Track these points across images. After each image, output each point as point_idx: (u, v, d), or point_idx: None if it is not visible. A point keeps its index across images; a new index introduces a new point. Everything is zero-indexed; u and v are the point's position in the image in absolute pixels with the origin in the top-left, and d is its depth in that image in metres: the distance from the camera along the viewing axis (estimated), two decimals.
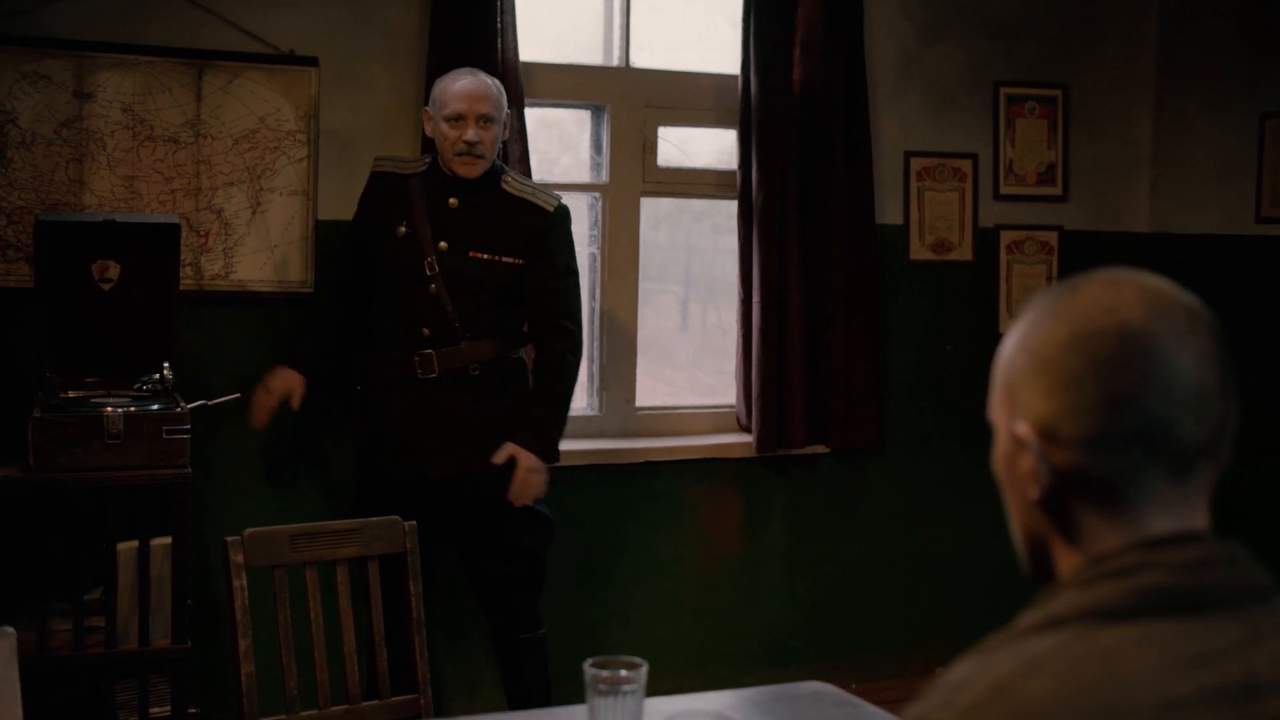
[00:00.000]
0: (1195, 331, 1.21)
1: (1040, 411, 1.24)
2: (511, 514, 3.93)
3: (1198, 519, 1.23)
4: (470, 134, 3.84)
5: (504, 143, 4.05)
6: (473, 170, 3.88)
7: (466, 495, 3.93)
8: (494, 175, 3.94)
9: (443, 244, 3.87)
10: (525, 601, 4.05)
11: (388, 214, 3.94)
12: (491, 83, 3.92)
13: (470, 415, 3.89)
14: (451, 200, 3.91)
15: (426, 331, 3.87)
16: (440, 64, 4.30)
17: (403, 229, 3.91)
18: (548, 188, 4.08)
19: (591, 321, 4.81)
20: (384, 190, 3.97)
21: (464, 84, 3.88)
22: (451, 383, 3.88)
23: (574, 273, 4.01)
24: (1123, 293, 1.23)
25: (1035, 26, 5.19)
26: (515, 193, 3.94)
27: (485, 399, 3.91)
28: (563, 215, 3.97)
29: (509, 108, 4.35)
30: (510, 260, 3.90)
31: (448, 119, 3.86)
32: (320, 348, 4.07)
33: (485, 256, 3.89)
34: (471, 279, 3.87)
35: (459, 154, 3.86)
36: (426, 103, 4.01)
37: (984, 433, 4.78)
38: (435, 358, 3.87)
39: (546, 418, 3.93)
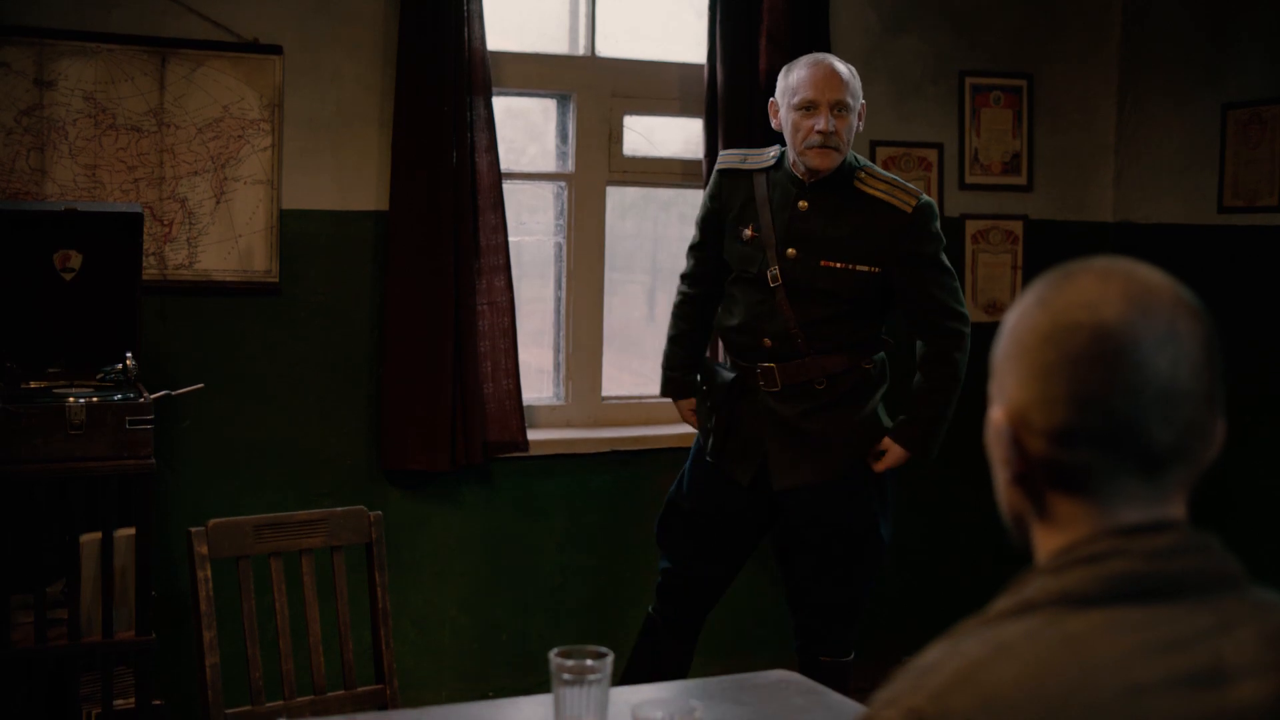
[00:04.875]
0: (1175, 334, 1.20)
1: (1015, 397, 1.24)
2: (846, 539, 3.74)
3: (1171, 511, 1.23)
4: (823, 123, 3.54)
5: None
6: (826, 161, 3.57)
7: (804, 510, 3.73)
8: (847, 172, 3.64)
9: (790, 251, 3.62)
10: (837, 626, 3.85)
11: (735, 214, 3.73)
12: (846, 68, 3.64)
13: (811, 426, 3.67)
14: (801, 203, 3.64)
15: (768, 342, 3.66)
16: (407, 53, 4.29)
17: (749, 232, 3.68)
18: (905, 182, 3.72)
19: (557, 311, 4.81)
20: (730, 188, 3.75)
21: (817, 69, 3.59)
22: (793, 396, 3.67)
23: (947, 269, 3.66)
24: (1108, 288, 1.22)
25: (1000, 16, 5.21)
26: (871, 192, 3.63)
27: (829, 410, 3.68)
28: (925, 213, 3.62)
29: (479, 94, 4.36)
30: (865, 269, 3.60)
31: (798, 108, 3.57)
32: (681, 358, 3.95)
33: (838, 265, 3.60)
34: (821, 290, 3.61)
35: (811, 145, 3.56)
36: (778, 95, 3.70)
37: (949, 424, 4.72)
38: (777, 371, 3.65)
39: (929, 414, 3.69)
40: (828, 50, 4.78)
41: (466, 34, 4.31)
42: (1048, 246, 5.21)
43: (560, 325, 4.80)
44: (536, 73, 4.69)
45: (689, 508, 3.87)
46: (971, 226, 5.21)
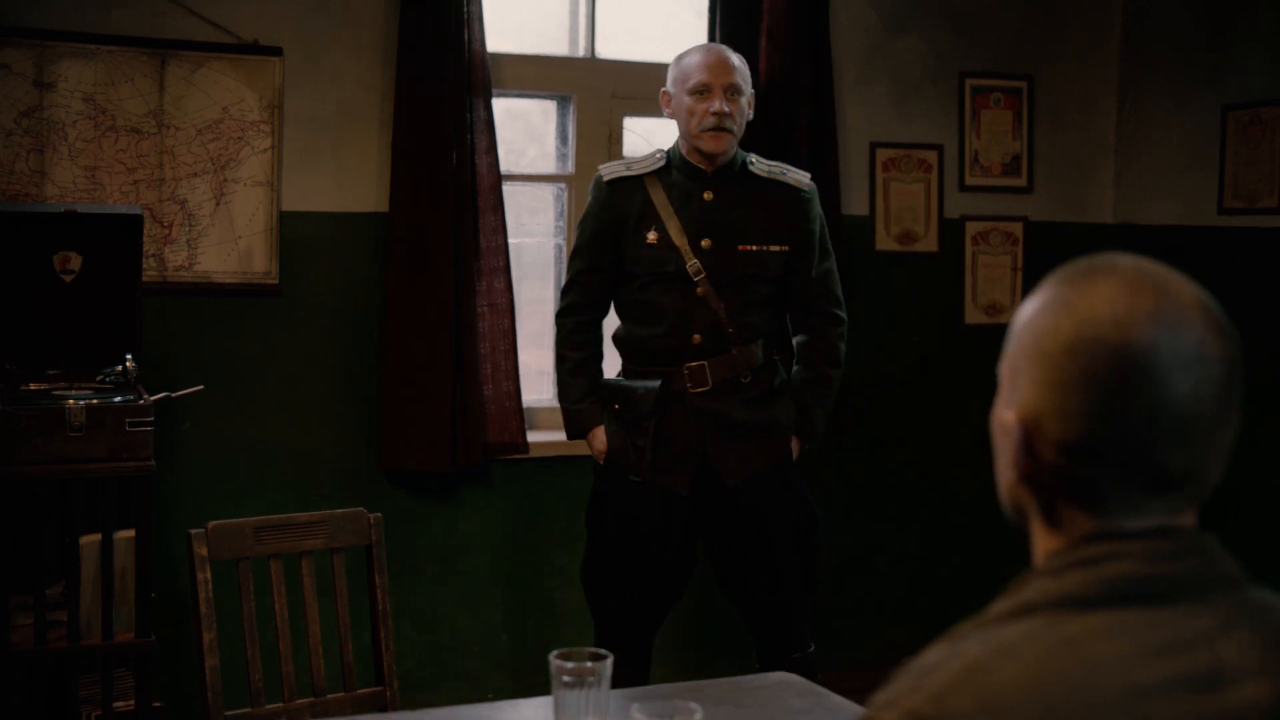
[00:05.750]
0: (1202, 358, 1.19)
1: (1030, 401, 1.22)
2: (797, 527, 3.74)
3: (1178, 522, 1.22)
4: (718, 104, 3.57)
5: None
6: (721, 144, 3.60)
7: (754, 503, 3.68)
8: (740, 160, 3.71)
9: (705, 242, 3.61)
10: (800, 620, 3.80)
11: (634, 221, 3.67)
12: (737, 56, 3.68)
13: (747, 417, 3.66)
14: (706, 194, 3.66)
15: (697, 339, 3.63)
16: (407, 54, 4.29)
17: (653, 235, 3.64)
18: (790, 166, 3.83)
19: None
20: (622, 198, 3.69)
21: (709, 54, 3.64)
22: (723, 393, 3.64)
23: (831, 253, 3.79)
24: (1137, 304, 1.19)
25: (1000, 16, 5.20)
26: (766, 175, 3.70)
27: (758, 402, 3.68)
28: (815, 193, 3.77)
29: (479, 96, 4.36)
30: (777, 248, 3.67)
31: (692, 92, 3.60)
32: (586, 388, 3.77)
33: (754, 248, 3.65)
34: (742, 275, 3.64)
35: (706, 128, 3.58)
36: (667, 84, 3.71)
37: (946, 425, 4.79)
38: (708, 368, 3.63)
39: (816, 404, 3.74)
40: (828, 51, 4.80)
41: (466, 35, 4.31)
42: (1048, 248, 5.20)
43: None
44: (536, 74, 4.69)
45: (620, 534, 3.73)
46: (971, 228, 5.21)
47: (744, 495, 3.69)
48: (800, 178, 3.75)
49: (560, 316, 3.82)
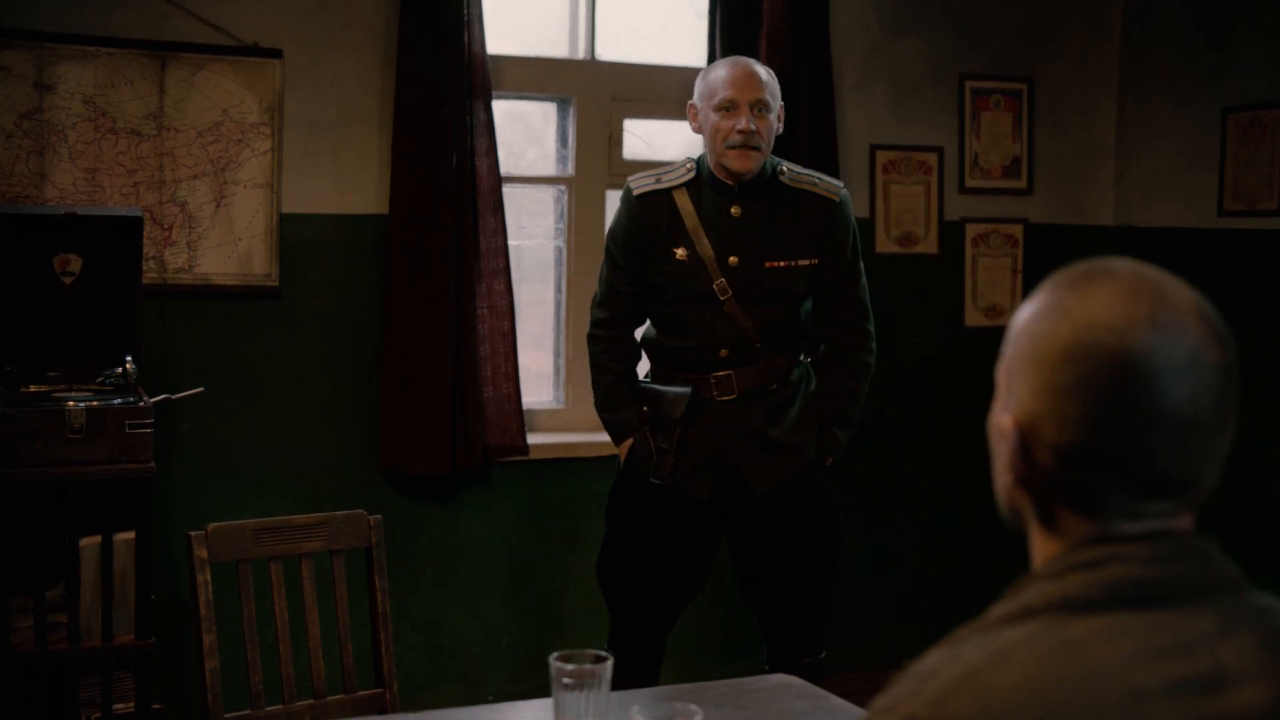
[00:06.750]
0: (1199, 364, 1.19)
1: (1027, 406, 1.23)
2: (820, 532, 3.72)
3: (1175, 525, 1.23)
4: (744, 122, 3.47)
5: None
6: (748, 163, 3.51)
7: (778, 510, 3.66)
8: (770, 171, 3.61)
9: (733, 259, 3.56)
10: (815, 624, 3.79)
11: (663, 235, 3.61)
12: (764, 69, 3.58)
13: (774, 426, 3.63)
14: (734, 209, 3.58)
15: (725, 352, 3.60)
16: (407, 55, 4.29)
17: (681, 252, 3.59)
18: (823, 174, 3.75)
19: (557, 315, 4.81)
20: (652, 211, 3.62)
21: (736, 69, 3.54)
22: (750, 401, 3.62)
23: (861, 265, 3.71)
24: (1135, 310, 1.19)
25: (1000, 18, 5.20)
26: (796, 185, 3.61)
27: (784, 409, 3.65)
28: (848, 203, 3.67)
29: (479, 98, 4.36)
30: (806, 262, 3.60)
31: (719, 108, 3.51)
32: (631, 397, 3.70)
33: (782, 264, 3.59)
34: (769, 290, 3.59)
35: (732, 146, 3.50)
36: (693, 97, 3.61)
37: (947, 427, 4.79)
38: (734, 378, 3.60)
39: (840, 418, 3.70)
40: (828, 53, 4.80)
41: (466, 37, 4.31)
42: (1048, 250, 5.21)
43: (560, 329, 4.80)
44: (536, 76, 4.69)
45: (639, 532, 3.72)
46: (971, 230, 5.21)
47: (771, 502, 3.66)
48: (832, 186, 3.66)
49: (596, 328, 3.75)
